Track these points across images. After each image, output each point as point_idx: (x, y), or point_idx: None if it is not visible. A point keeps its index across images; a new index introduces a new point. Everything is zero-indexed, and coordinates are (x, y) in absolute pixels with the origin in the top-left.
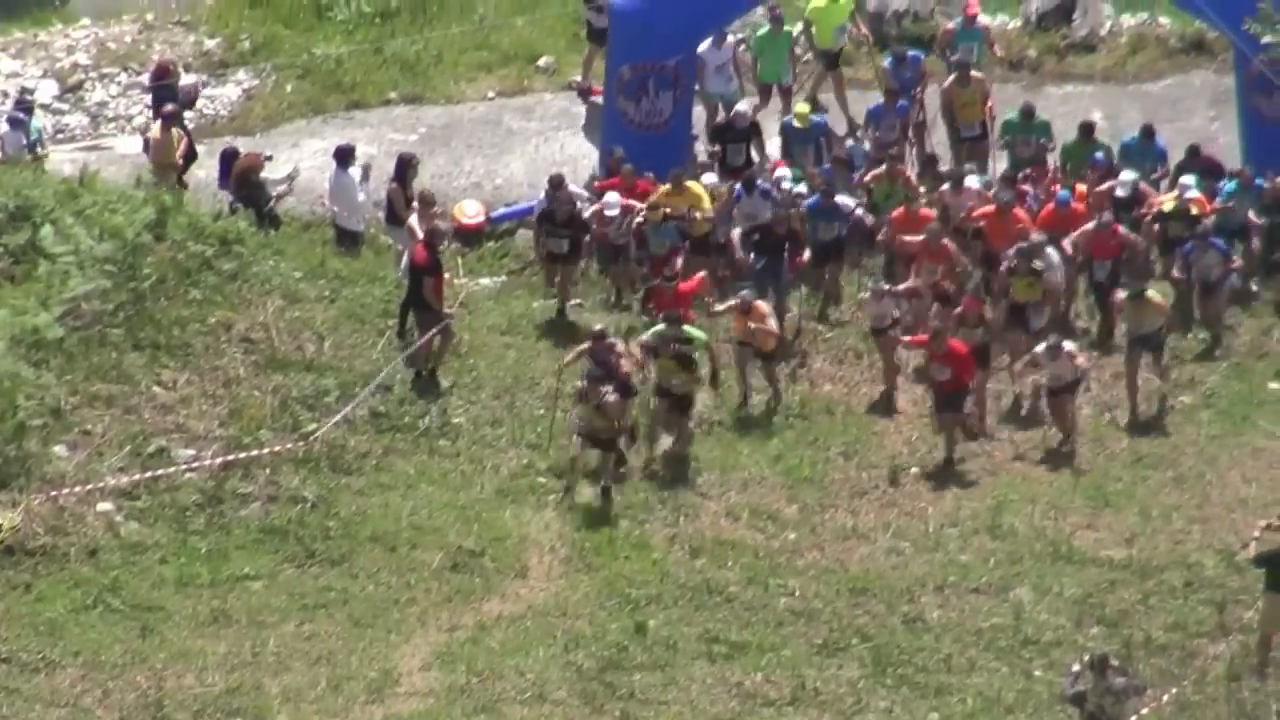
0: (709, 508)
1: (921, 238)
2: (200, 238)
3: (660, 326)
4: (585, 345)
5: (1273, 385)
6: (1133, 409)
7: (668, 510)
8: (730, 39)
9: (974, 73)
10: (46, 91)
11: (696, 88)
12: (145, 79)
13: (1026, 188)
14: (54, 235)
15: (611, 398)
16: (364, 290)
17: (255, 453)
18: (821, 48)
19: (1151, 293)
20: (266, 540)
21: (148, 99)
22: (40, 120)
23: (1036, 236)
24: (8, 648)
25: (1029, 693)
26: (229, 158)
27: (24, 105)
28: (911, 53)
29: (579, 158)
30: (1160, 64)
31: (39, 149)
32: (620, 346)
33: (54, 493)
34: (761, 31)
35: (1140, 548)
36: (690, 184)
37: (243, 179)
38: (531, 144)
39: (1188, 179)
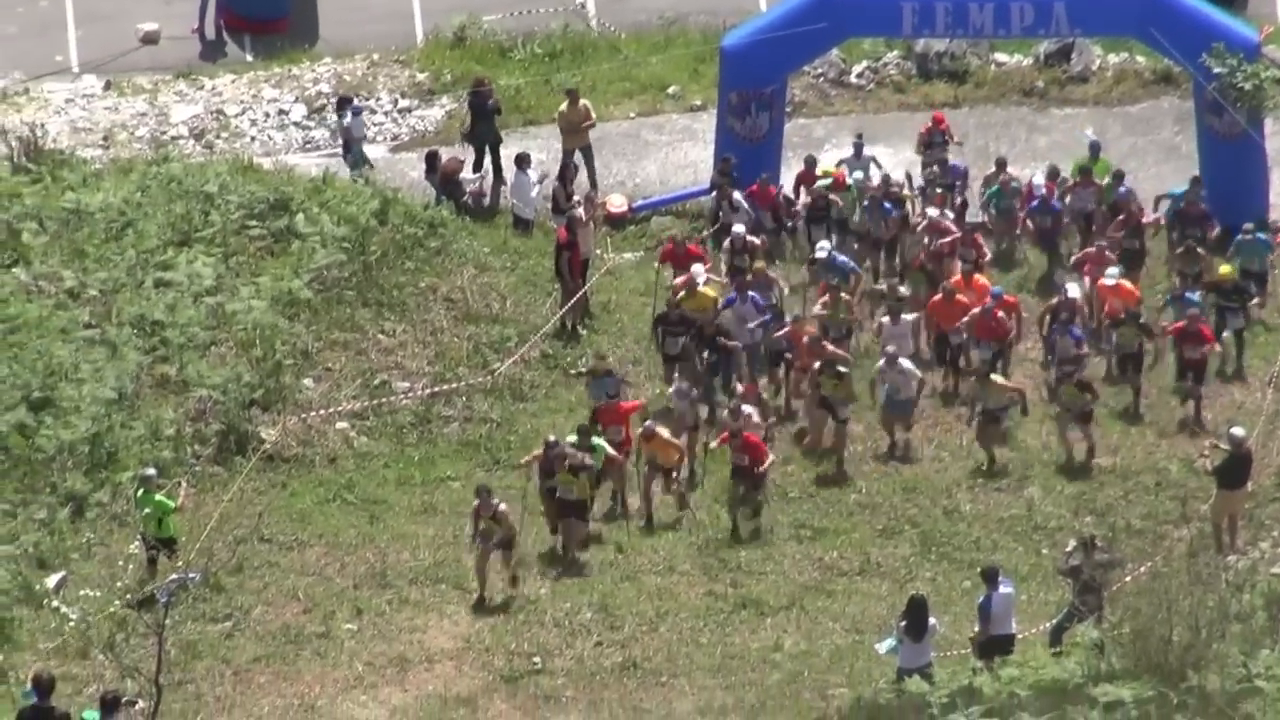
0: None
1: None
2: (413, 222)
3: (571, 438)
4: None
5: None
6: (990, 461)
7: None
8: None
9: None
10: (298, 113)
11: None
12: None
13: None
14: (304, 220)
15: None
16: (535, 262)
17: (454, 385)
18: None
19: (995, 375)
20: (463, 451)
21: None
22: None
23: (891, 349)
24: (269, 531)
25: (1039, 566)
26: (432, 157)
27: (348, 101)
28: (887, 204)
29: (698, 162)
30: (1137, 91)
31: (364, 137)
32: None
33: (304, 415)
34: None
35: (1122, 457)
36: (702, 290)
37: (446, 178)
38: (662, 152)
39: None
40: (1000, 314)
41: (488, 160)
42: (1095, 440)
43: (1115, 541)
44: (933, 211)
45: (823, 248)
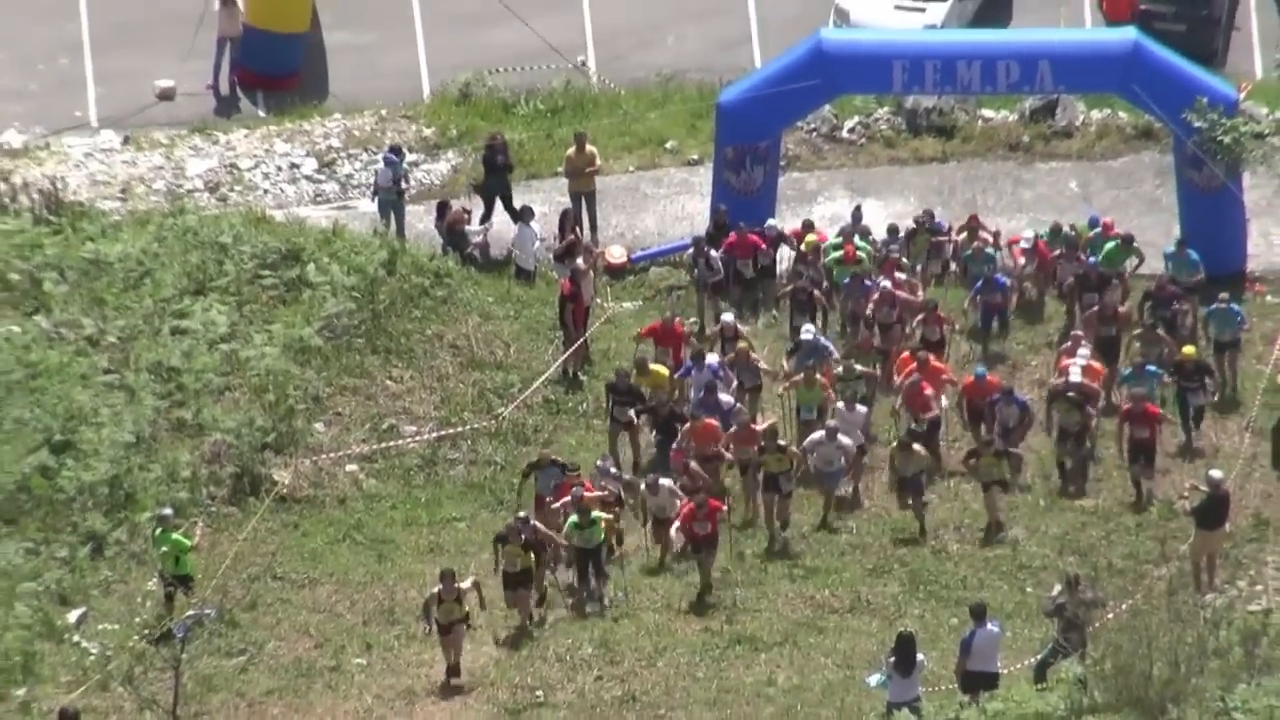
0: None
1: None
2: (420, 272)
3: (573, 518)
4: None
5: None
6: (921, 529)
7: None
8: None
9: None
10: (309, 167)
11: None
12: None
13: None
14: (315, 270)
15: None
16: (538, 310)
17: (460, 429)
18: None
19: (916, 446)
20: (468, 492)
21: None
22: (406, 163)
23: (833, 424)
24: (282, 569)
25: (1023, 604)
26: (443, 206)
27: (396, 150)
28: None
29: (695, 214)
30: (1119, 146)
31: (404, 184)
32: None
33: (314, 458)
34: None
35: (1103, 499)
36: (654, 368)
37: (451, 229)
38: (660, 204)
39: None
40: (927, 391)
41: (495, 210)
42: (1001, 512)
43: (1097, 580)
44: (885, 282)
45: (808, 330)
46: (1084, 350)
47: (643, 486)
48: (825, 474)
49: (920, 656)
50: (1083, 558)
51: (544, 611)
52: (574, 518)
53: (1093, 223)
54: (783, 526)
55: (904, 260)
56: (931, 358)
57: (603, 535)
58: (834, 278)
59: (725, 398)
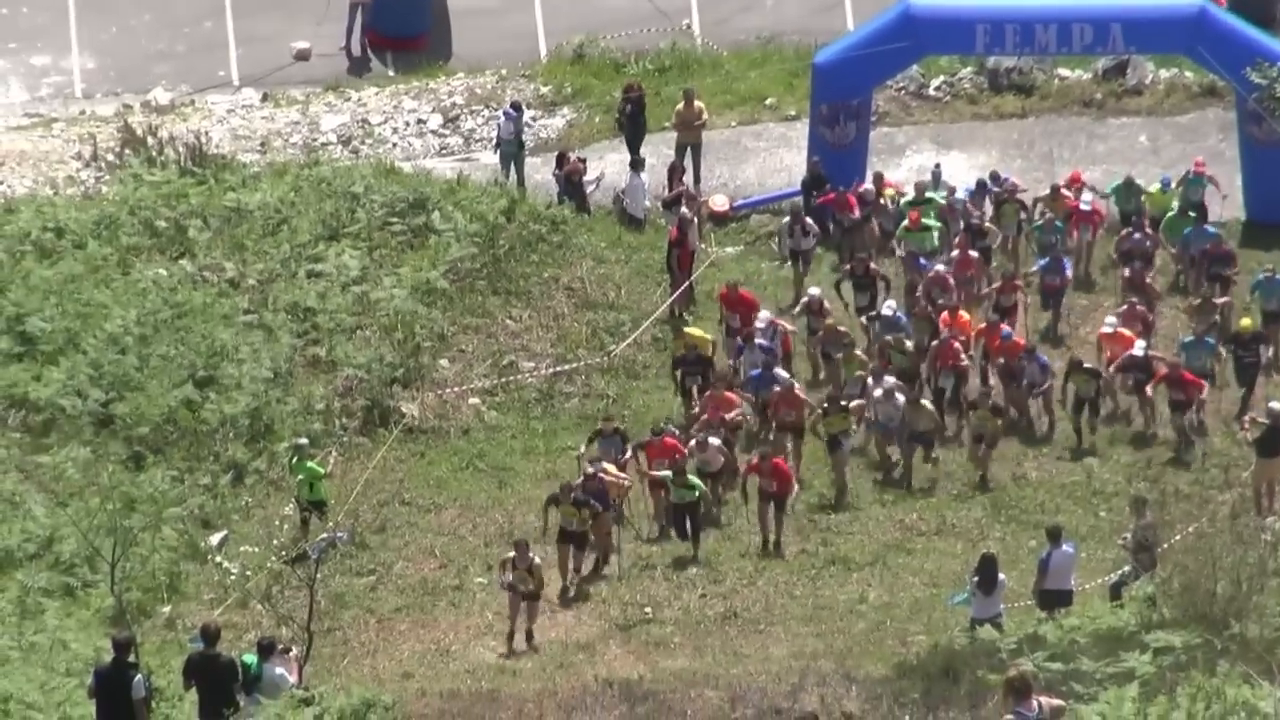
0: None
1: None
2: (537, 219)
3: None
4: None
5: None
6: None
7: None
8: None
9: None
10: (434, 122)
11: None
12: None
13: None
14: (440, 218)
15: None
16: (646, 256)
17: (574, 365)
18: None
19: (925, 400)
20: (582, 423)
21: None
22: (525, 118)
23: (889, 380)
24: (409, 495)
25: (1096, 528)
26: (561, 157)
27: (516, 106)
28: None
29: (792, 166)
30: (1186, 103)
31: (523, 137)
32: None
33: (440, 392)
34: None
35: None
36: (689, 331)
37: (567, 179)
38: (760, 157)
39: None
40: (956, 345)
41: (604, 165)
42: (990, 465)
43: (1165, 505)
44: (939, 266)
45: (889, 306)
46: (1111, 319)
47: (692, 443)
48: (889, 429)
49: (1001, 576)
50: (1152, 484)
51: (606, 567)
52: (671, 475)
53: (1165, 184)
54: (840, 484)
55: (987, 226)
56: (961, 312)
57: (698, 493)
58: (901, 243)
59: (780, 373)
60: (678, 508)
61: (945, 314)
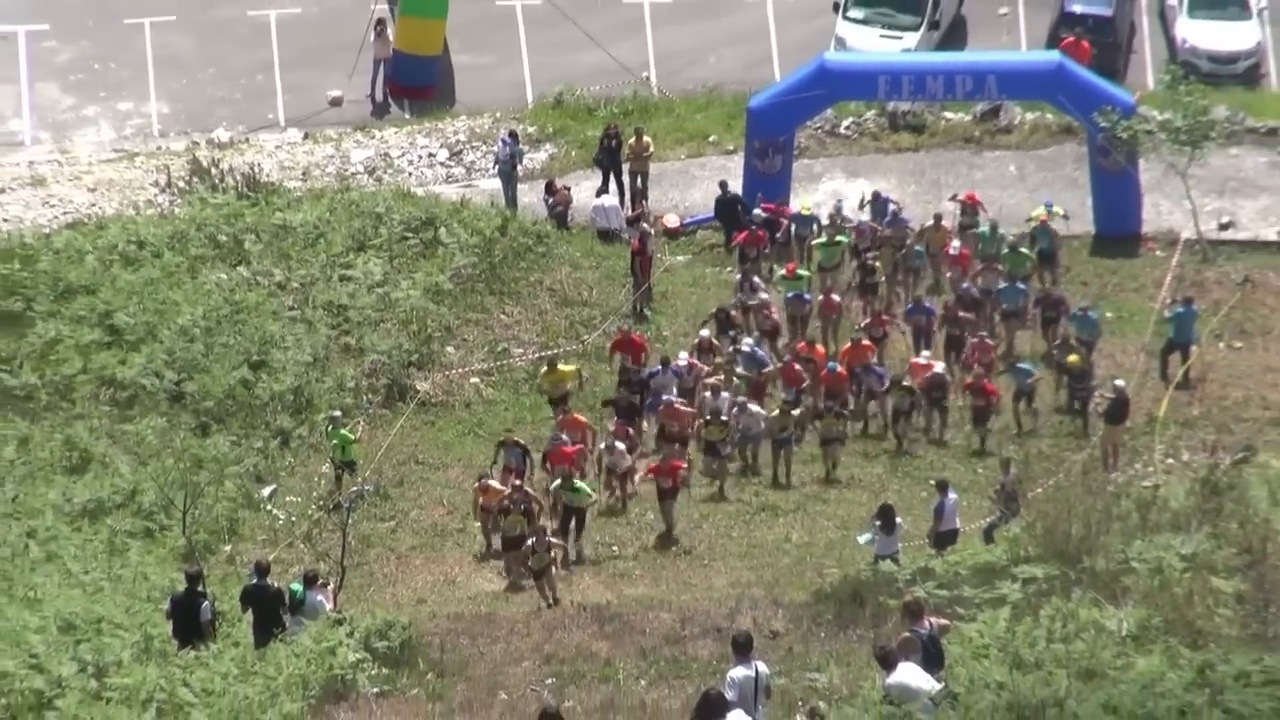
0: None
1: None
2: (525, 234)
3: (556, 482)
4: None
5: None
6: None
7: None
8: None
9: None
10: (442, 155)
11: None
12: (498, 145)
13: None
14: (446, 233)
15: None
16: (614, 263)
17: (555, 350)
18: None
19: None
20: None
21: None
22: (523, 145)
23: (741, 398)
24: (422, 456)
25: (975, 482)
26: (550, 184)
27: (512, 135)
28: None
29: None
30: (1047, 140)
31: (518, 160)
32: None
33: (447, 373)
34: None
35: (1037, 402)
36: (561, 367)
37: (555, 205)
38: (705, 184)
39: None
40: (797, 367)
41: (581, 192)
42: (839, 458)
43: (1028, 464)
44: (836, 297)
45: (747, 343)
46: (926, 353)
47: (602, 446)
48: (749, 436)
49: (899, 520)
50: (1018, 447)
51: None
52: (559, 481)
53: (1048, 205)
54: (721, 485)
55: (876, 265)
56: (818, 344)
57: (587, 498)
58: (782, 291)
59: (667, 397)
60: (567, 509)
61: (803, 344)
